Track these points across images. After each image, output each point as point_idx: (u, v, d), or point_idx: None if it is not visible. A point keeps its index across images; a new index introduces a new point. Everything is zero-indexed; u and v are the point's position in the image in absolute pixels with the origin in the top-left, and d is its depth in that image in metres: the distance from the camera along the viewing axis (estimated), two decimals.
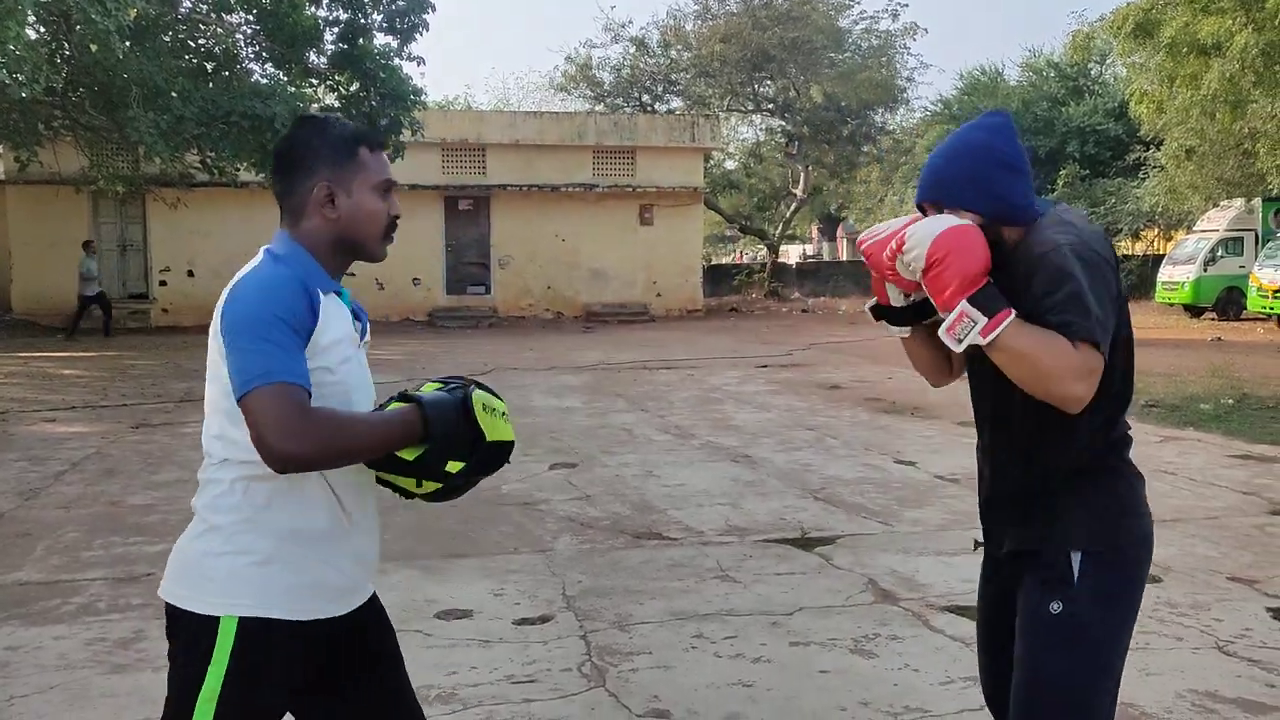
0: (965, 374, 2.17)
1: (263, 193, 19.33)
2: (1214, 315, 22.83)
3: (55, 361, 14.85)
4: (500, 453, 1.83)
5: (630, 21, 45.60)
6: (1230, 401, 10.09)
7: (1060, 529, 1.95)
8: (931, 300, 1.91)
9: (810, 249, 51.22)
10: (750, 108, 33.66)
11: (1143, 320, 22.65)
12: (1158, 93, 17.51)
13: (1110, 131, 30.26)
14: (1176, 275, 23.22)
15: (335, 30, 15.09)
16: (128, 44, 13.08)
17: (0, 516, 6.03)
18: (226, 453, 1.79)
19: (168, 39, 14.40)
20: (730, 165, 37.85)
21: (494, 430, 1.80)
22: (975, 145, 1.97)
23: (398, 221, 1.93)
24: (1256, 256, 21.29)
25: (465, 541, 5.52)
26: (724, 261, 41.88)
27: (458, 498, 1.90)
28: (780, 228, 34.54)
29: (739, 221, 35.48)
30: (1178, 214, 25.25)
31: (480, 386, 1.86)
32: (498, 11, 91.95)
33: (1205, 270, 22.57)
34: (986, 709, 2.27)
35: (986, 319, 1.81)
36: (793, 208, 33.80)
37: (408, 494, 1.86)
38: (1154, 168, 23.14)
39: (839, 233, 48.78)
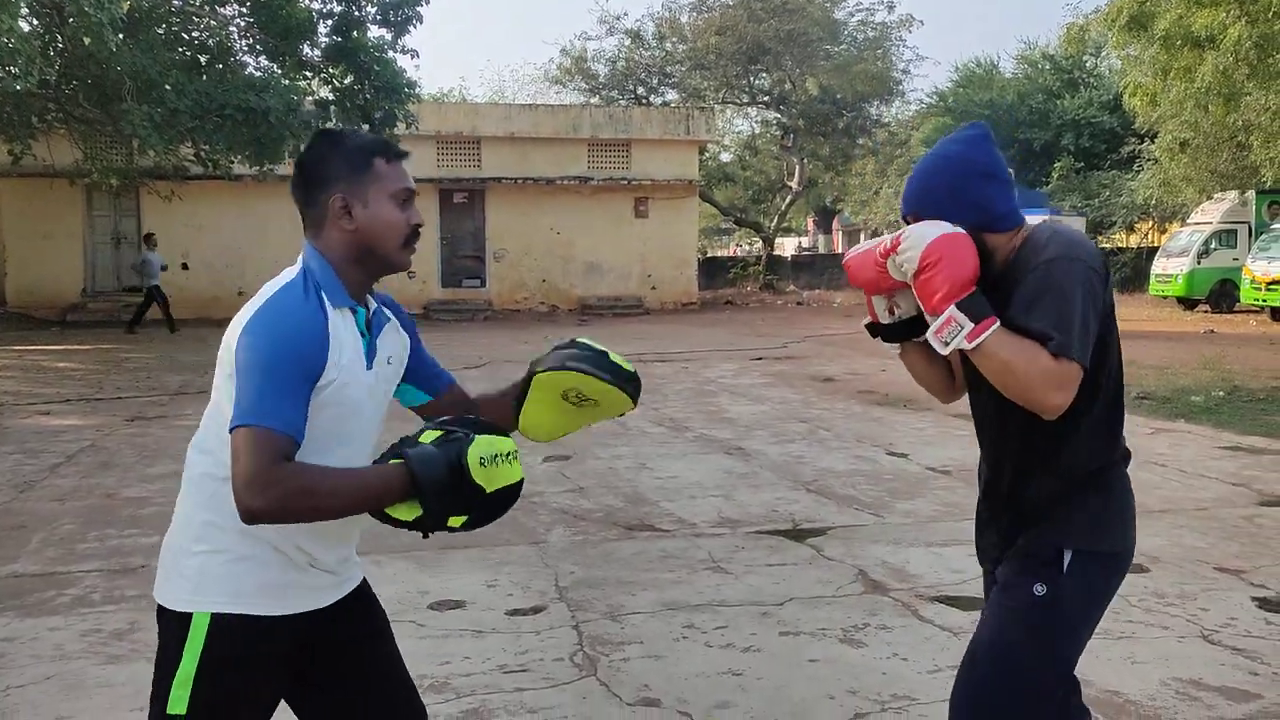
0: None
1: (257, 186, 19.33)
2: (1207, 308, 22.90)
3: (50, 355, 14.86)
4: (507, 497, 1.77)
5: (625, 14, 45.62)
6: (1221, 394, 10.15)
7: (1056, 527, 2.02)
8: (920, 304, 1.97)
9: (806, 242, 51.26)
10: (745, 100, 33.68)
11: (1136, 313, 22.70)
12: (1152, 85, 17.54)
13: (1105, 124, 30.32)
14: (1170, 268, 23.28)
15: (329, 23, 15.07)
16: (121, 36, 13.07)
17: None
18: (204, 463, 1.82)
19: (161, 31, 14.38)
20: (726, 158, 37.88)
21: (494, 480, 1.73)
22: (953, 158, 2.04)
23: (420, 230, 1.91)
24: (1250, 249, 21.35)
25: (459, 534, 5.54)
26: (719, 254, 41.91)
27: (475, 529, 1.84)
28: (775, 220, 34.57)
29: (734, 214, 35.51)
30: (1172, 206, 25.31)
31: (481, 426, 1.79)
32: (492, 5, 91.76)
33: (1199, 263, 22.63)
34: None
35: (973, 324, 1.88)
36: (788, 200, 33.83)
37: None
38: (1148, 160, 23.18)
39: (834, 225, 48.80)
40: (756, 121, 36.07)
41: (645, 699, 3.48)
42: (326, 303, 1.81)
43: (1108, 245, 31.21)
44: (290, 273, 1.85)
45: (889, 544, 5.29)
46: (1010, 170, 2.13)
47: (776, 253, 34.76)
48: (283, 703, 1.94)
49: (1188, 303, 23.32)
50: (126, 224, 21.84)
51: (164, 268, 18.34)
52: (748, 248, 41.82)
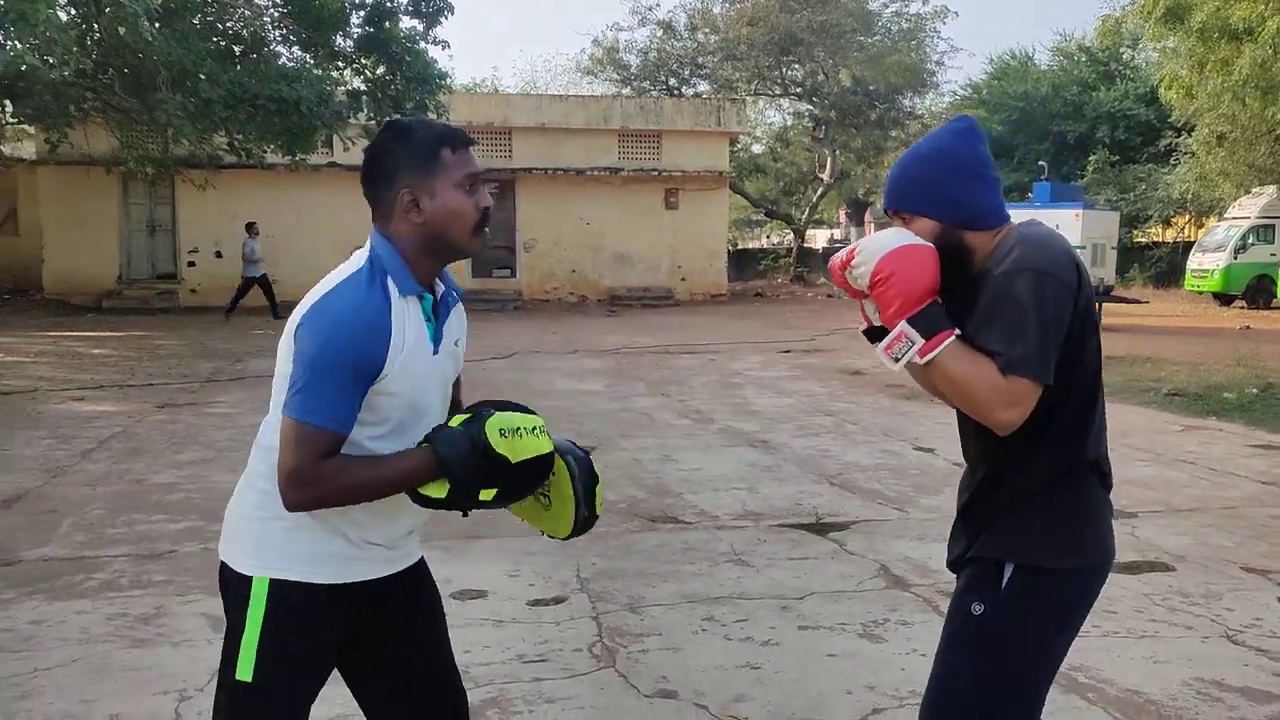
0: None
1: (289, 175, 19.48)
2: (1244, 303, 22.55)
3: (84, 341, 15.07)
4: (536, 467, 1.83)
5: (658, 4, 45.34)
6: (1255, 391, 9.99)
7: (999, 540, 1.95)
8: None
9: (838, 234, 50.97)
10: (778, 92, 33.48)
11: (1171, 308, 22.40)
12: (1188, 78, 17.26)
13: (1141, 117, 29.88)
14: (1206, 263, 22.96)
15: (361, 14, 15.15)
16: (157, 26, 13.21)
17: (28, 493, 6.16)
18: (269, 436, 1.88)
19: (197, 22, 14.51)
20: (757, 149, 37.72)
21: (518, 451, 1.80)
22: (933, 151, 1.99)
23: (489, 212, 1.93)
24: None
25: (483, 523, 5.55)
26: (750, 246, 41.76)
27: (515, 503, 1.92)
28: (807, 212, 34.39)
29: (765, 206, 35.36)
30: (1209, 201, 24.91)
31: (504, 406, 1.86)
32: None
33: (1235, 258, 22.30)
34: None
35: (924, 340, 1.84)
36: (819, 193, 33.64)
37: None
38: (1185, 154, 22.82)
39: (867, 218, 48.44)
40: (788, 113, 35.87)
41: (663, 690, 3.49)
42: (393, 290, 1.84)
43: (1143, 240, 30.81)
44: (358, 259, 1.88)
45: (912, 539, 5.26)
46: (997, 168, 2.07)
47: (808, 245, 34.57)
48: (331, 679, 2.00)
49: (1224, 298, 22.98)
50: (161, 212, 22.09)
51: (258, 259, 18.06)
52: (779, 240, 41.64)
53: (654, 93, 30.90)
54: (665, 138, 23.64)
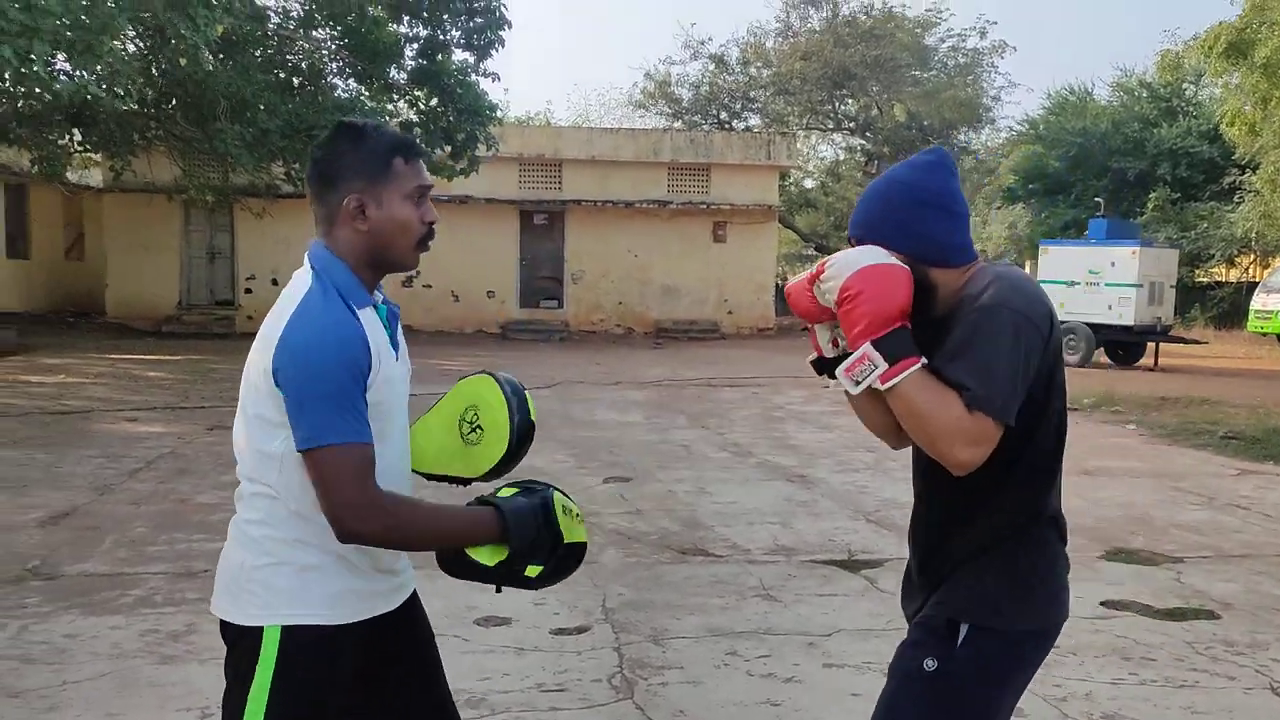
0: None
1: None
2: None
3: (142, 364, 15.43)
4: (574, 554, 1.84)
5: (710, 39, 45.67)
6: None
7: (956, 598, 1.88)
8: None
9: None
10: (830, 126, 33.52)
11: (1232, 350, 21.85)
12: (1252, 114, 16.93)
13: (1204, 154, 29.30)
14: (1270, 304, 22.35)
15: (415, 46, 15.46)
16: (220, 58, 13.61)
17: (75, 510, 6.29)
18: (252, 486, 1.82)
19: (258, 54, 14.90)
20: (809, 184, 37.69)
21: (571, 533, 1.81)
22: (905, 184, 1.92)
23: (434, 228, 1.88)
24: None
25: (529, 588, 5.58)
26: None
27: (548, 584, 1.87)
28: None
29: (816, 240, 35.26)
30: (1273, 240, 24.31)
31: (557, 490, 1.87)
32: (582, 29, 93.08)
33: None
34: None
35: (887, 365, 1.76)
36: None
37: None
38: (1249, 192, 22.34)
39: None
40: (840, 147, 35.87)
41: None
42: (350, 304, 1.79)
43: (1205, 279, 30.14)
44: (302, 279, 1.83)
45: None
46: (967, 203, 2.00)
47: None
48: None
49: None
50: (220, 239, 22.62)
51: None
52: None
53: (705, 126, 31.06)
54: (714, 171, 23.72)
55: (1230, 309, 27.12)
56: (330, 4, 14.60)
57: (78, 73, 10.23)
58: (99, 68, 10.67)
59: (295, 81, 15.22)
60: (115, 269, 21.88)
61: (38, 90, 9.98)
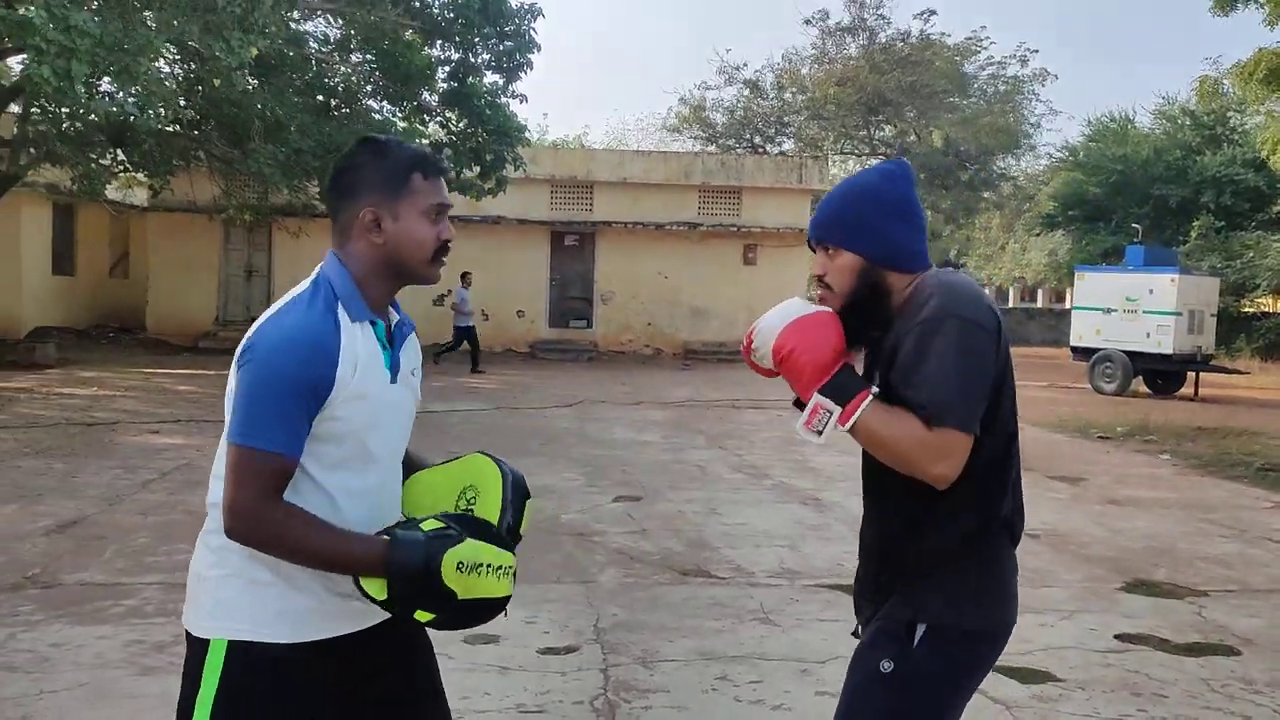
0: None
1: None
2: None
3: (175, 378, 15.61)
4: (486, 606, 1.71)
5: (745, 64, 45.76)
6: None
7: (912, 601, 1.88)
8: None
9: None
10: (865, 151, 33.38)
11: (1278, 380, 21.30)
12: None
13: (1249, 182, 28.77)
14: None
15: (446, 69, 15.62)
16: (256, 81, 13.83)
17: (83, 519, 6.32)
18: (215, 498, 1.78)
19: (296, 78, 15.12)
20: None
21: (471, 589, 1.68)
22: (862, 187, 1.96)
23: (449, 245, 1.87)
24: None
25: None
26: None
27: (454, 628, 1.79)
28: None
29: None
30: None
31: (487, 536, 1.73)
32: (622, 54, 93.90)
33: None
34: None
35: (840, 408, 1.79)
36: None
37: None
38: None
39: None
40: None
41: None
42: (343, 315, 1.77)
43: (1251, 309, 29.52)
44: (302, 284, 1.83)
45: None
46: (926, 215, 2.03)
47: None
48: None
49: None
50: (258, 258, 22.93)
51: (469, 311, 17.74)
52: None
53: (738, 150, 31.07)
54: (745, 194, 23.67)
55: (1277, 339, 26.50)
56: (365, 29, 14.80)
57: (122, 93, 10.42)
58: (136, 88, 10.86)
59: (331, 104, 15.43)
60: (156, 286, 22.23)
61: (80, 110, 10.17)
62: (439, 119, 16.06)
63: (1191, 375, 17.80)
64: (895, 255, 1.91)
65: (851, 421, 1.78)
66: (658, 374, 18.98)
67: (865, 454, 2.00)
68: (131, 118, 11.13)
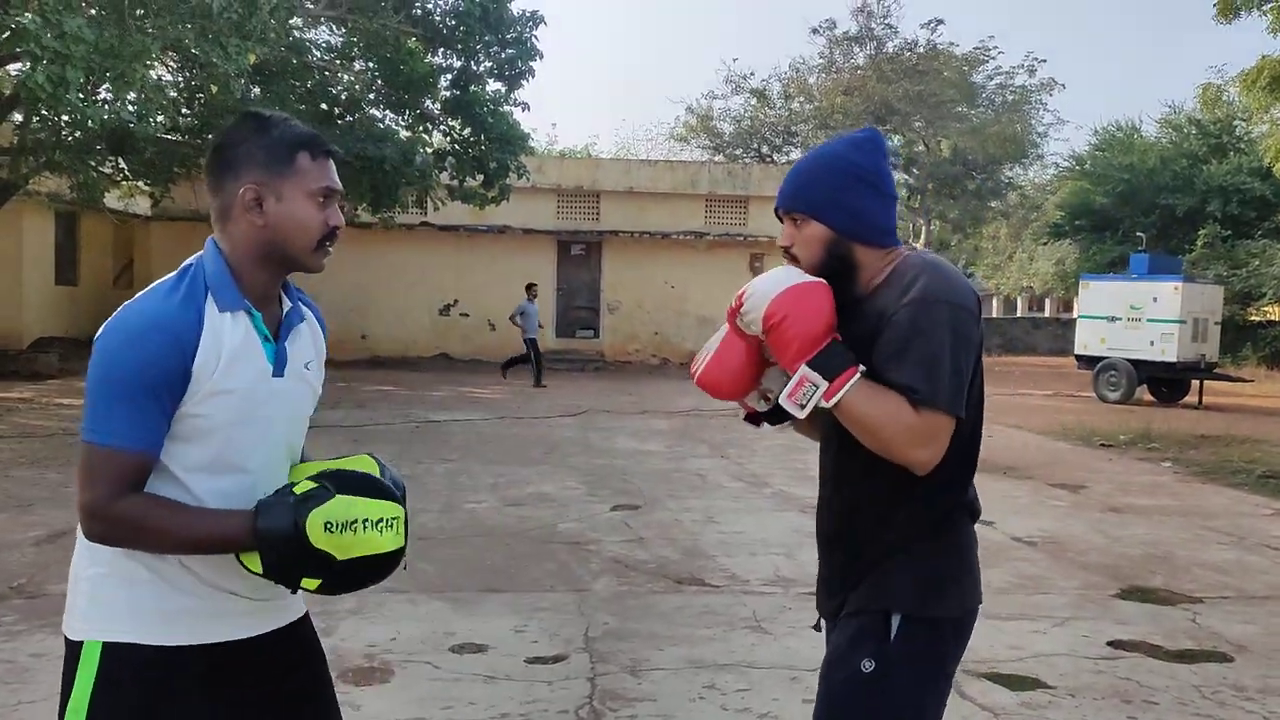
0: None
1: (383, 233, 20.06)
2: None
3: None
4: (374, 564, 1.62)
5: (752, 73, 45.76)
6: None
7: (885, 591, 1.84)
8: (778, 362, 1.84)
9: None
10: None
11: None
12: None
13: (1255, 191, 28.65)
14: None
15: (448, 77, 15.64)
16: (258, 89, 13.84)
17: (74, 529, 6.28)
18: None
19: (298, 85, 15.13)
20: None
21: (347, 549, 1.58)
22: (834, 156, 1.89)
23: (337, 232, 1.74)
24: None
25: (504, 577, 5.47)
26: None
27: (361, 588, 1.68)
28: None
29: None
30: None
31: (361, 489, 1.63)
32: (630, 65, 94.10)
33: None
34: None
35: (828, 382, 1.74)
36: None
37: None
38: None
39: None
40: None
41: None
42: (212, 305, 1.66)
43: (1258, 318, 29.36)
44: (166, 277, 1.72)
45: None
46: (897, 187, 1.97)
47: None
48: None
49: None
50: None
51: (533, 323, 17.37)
52: None
53: (745, 159, 31.06)
54: (752, 203, 23.64)
55: None
56: (367, 36, 14.82)
57: (120, 100, 10.42)
58: (134, 95, 10.88)
59: (334, 112, 15.43)
60: None
61: (77, 117, 10.18)
62: (442, 127, 16.06)
63: (1196, 383, 17.71)
64: (864, 228, 1.85)
65: (837, 397, 1.73)
66: (664, 384, 18.94)
67: (826, 439, 1.96)
68: (130, 125, 11.13)
